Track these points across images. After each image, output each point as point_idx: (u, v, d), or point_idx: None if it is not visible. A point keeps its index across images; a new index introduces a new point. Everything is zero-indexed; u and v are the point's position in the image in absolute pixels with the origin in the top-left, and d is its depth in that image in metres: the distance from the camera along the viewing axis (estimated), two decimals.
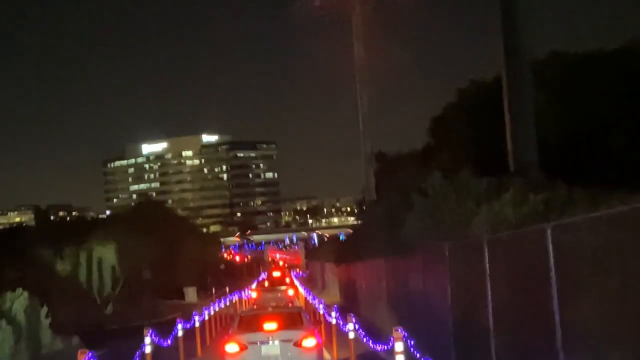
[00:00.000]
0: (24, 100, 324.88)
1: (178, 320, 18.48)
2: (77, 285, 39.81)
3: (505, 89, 18.39)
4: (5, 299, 18.09)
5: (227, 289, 48.66)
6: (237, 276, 73.78)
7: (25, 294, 18.44)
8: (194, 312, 22.24)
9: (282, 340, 14.22)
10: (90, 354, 9.43)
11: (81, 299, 39.43)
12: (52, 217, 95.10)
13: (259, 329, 14.57)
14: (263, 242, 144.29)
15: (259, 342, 14.19)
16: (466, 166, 16.79)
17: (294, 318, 15.43)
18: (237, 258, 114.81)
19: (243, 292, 44.49)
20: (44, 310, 19.30)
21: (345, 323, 16.39)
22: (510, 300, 10.72)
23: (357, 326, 15.92)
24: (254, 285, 54.76)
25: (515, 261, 10.34)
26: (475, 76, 24.12)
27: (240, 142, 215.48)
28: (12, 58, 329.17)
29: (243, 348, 14.17)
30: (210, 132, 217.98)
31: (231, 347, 14.20)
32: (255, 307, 33.03)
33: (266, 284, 59.32)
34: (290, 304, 36.78)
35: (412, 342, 12.56)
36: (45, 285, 37.23)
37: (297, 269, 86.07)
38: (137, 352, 13.41)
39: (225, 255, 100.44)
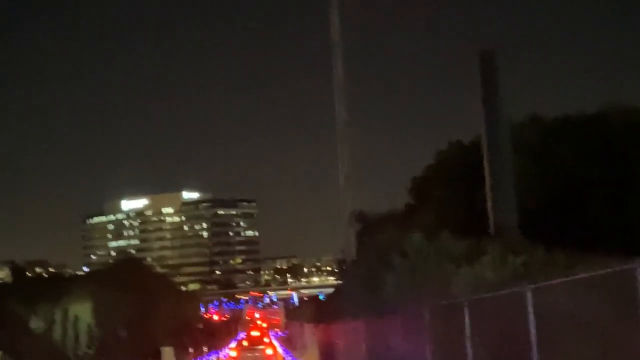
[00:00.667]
0: (1, 154, 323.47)
1: None
2: (52, 344, 39.06)
3: (485, 151, 18.63)
4: None
5: (206, 348, 47.93)
6: (216, 335, 72.69)
7: (0, 352, 18.08)
8: None
9: None
10: None
11: (56, 358, 38.68)
12: (28, 274, 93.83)
13: None
14: (242, 301, 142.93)
15: None
16: (446, 227, 16.83)
17: None
18: (216, 317, 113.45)
19: (220, 352, 43.88)
20: None
21: None
22: None
23: None
24: (232, 345, 54.06)
25: (495, 323, 10.34)
26: (456, 137, 24.36)
27: (221, 200, 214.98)
28: None
29: None
30: (191, 189, 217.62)
31: None
32: None
33: (245, 343, 58.62)
34: None
35: None
36: (20, 344, 36.52)
37: (277, 329, 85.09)
38: None
39: (203, 314, 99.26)
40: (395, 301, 15.78)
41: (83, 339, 40.05)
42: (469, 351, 11.30)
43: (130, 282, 50.35)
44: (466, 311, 11.31)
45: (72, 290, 42.61)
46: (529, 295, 8.95)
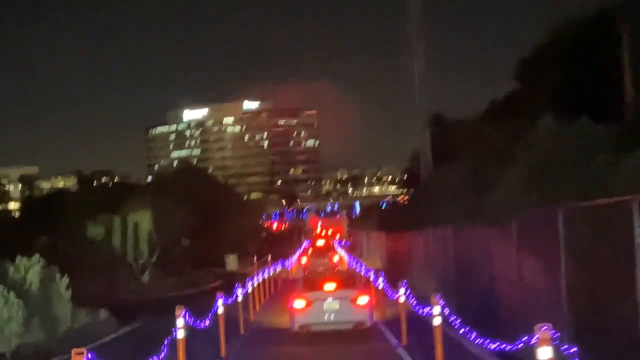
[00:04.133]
0: (66, 68, 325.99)
1: (218, 295, 15.82)
2: (112, 252, 37.58)
3: (623, 24, 15.05)
4: (18, 267, 15.54)
5: (269, 257, 46.58)
6: (278, 244, 71.56)
7: (42, 261, 15.90)
8: (236, 285, 19.76)
9: (340, 298, 16.90)
10: (90, 355, 6.75)
11: (116, 266, 37.32)
12: (94, 183, 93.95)
13: (320, 288, 17.46)
14: (305, 210, 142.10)
15: (320, 300, 16.85)
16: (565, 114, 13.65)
17: (348, 280, 18.41)
18: (275, 226, 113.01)
19: (287, 261, 42.77)
20: (65, 281, 16.75)
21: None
22: None
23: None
24: (298, 253, 53.80)
25: None
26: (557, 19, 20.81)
27: (281, 109, 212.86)
28: (52, 28, 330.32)
29: (308, 304, 16.88)
30: (252, 98, 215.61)
31: (298, 303, 17.00)
32: (307, 272, 34.97)
33: (310, 251, 57.94)
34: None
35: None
36: (79, 252, 35.15)
37: (340, 238, 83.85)
38: (168, 338, 10.75)
39: (266, 223, 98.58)
40: (509, 205, 12.82)
41: (144, 247, 38.43)
42: (639, 265, 8.39)
43: (192, 191, 48.83)
44: (636, 212, 8.35)
45: (134, 199, 41.04)
46: None
